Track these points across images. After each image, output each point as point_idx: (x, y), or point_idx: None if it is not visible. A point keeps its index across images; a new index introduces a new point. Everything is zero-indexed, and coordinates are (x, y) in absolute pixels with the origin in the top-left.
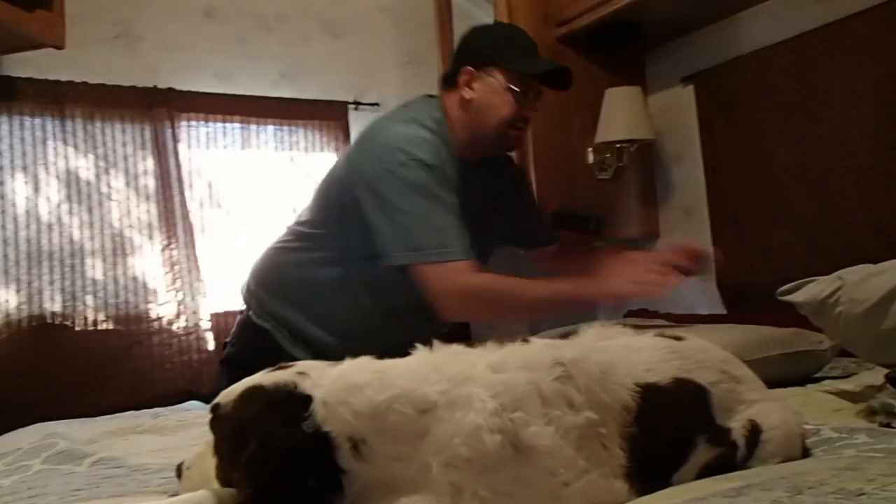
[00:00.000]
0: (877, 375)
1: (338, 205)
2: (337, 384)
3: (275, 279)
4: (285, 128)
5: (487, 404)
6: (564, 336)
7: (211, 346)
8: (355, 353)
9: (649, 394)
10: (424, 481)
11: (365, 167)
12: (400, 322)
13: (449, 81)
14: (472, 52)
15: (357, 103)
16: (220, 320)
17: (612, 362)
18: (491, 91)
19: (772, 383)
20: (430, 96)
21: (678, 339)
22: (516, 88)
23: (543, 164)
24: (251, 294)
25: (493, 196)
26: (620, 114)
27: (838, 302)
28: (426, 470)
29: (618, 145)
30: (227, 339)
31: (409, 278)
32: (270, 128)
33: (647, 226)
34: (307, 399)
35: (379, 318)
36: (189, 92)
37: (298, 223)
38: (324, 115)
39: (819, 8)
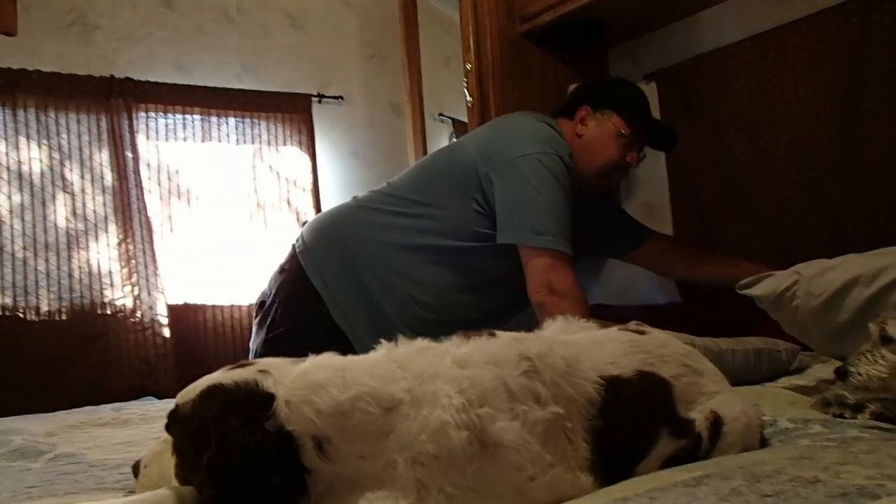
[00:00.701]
0: (829, 370)
1: (452, 181)
2: (300, 382)
3: (349, 237)
4: (247, 120)
5: (454, 400)
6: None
7: (167, 340)
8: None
9: (613, 387)
10: (390, 478)
11: (506, 149)
12: (464, 300)
13: (565, 113)
14: (593, 94)
15: (321, 96)
16: (178, 313)
17: (577, 356)
18: (603, 132)
19: (732, 382)
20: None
21: (641, 332)
22: (627, 134)
23: None
24: (309, 252)
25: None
26: None
27: (795, 296)
28: (392, 467)
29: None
30: (263, 300)
31: (494, 260)
32: (232, 120)
33: None
34: (269, 398)
35: (453, 292)
36: (147, 82)
37: (394, 189)
38: (286, 107)
39: (776, 8)
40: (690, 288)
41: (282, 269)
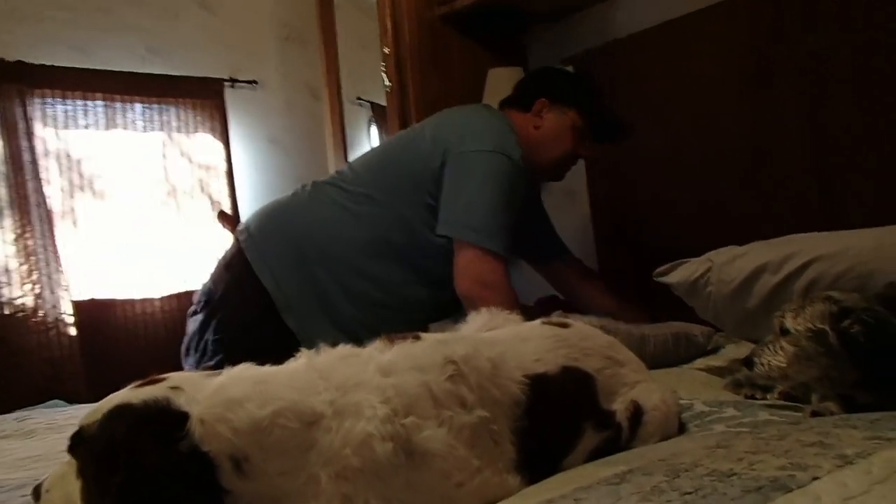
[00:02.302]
0: (741, 350)
1: (408, 175)
2: (215, 399)
3: (302, 233)
4: (155, 106)
5: (378, 411)
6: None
7: (74, 339)
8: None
9: (538, 385)
10: (313, 493)
11: (458, 144)
12: (422, 294)
13: (519, 104)
14: (551, 87)
15: (233, 81)
16: (85, 310)
17: (501, 355)
18: (560, 126)
19: (652, 365)
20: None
21: (564, 325)
22: (583, 129)
23: None
24: (258, 247)
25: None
26: (503, 95)
27: (708, 283)
28: (314, 482)
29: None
30: (208, 298)
31: (441, 259)
32: (138, 106)
33: None
34: (182, 416)
35: (410, 288)
36: (42, 66)
37: (348, 182)
38: (197, 93)
39: None
40: (613, 277)
41: (227, 265)
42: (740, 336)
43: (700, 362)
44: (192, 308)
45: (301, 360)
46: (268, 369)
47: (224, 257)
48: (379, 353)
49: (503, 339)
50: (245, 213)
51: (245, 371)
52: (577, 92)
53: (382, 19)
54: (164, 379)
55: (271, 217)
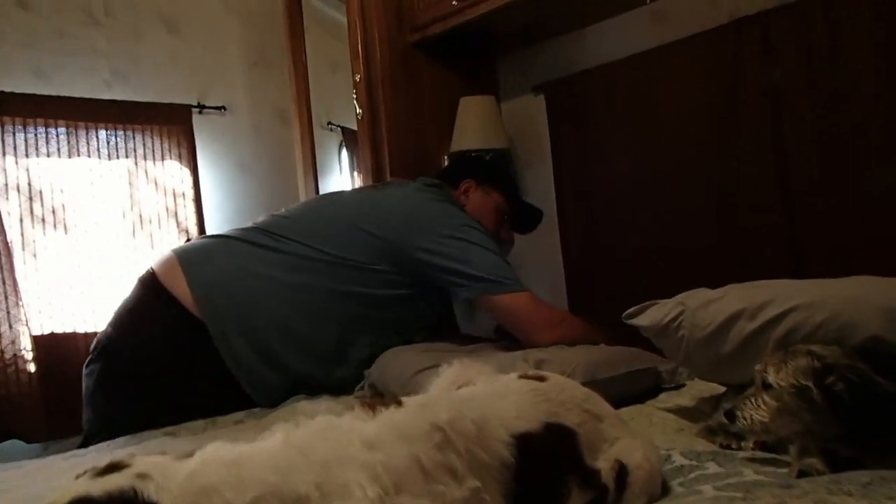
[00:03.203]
0: (704, 386)
1: (387, 263)
2: (188, 487)
3: (251, 287)
4: (120, 133)
5: (368, 491)
6: None
7: (33, 376)
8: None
9: (524, 445)
10: None
11: (432, 228)
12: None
13: (450, 181)
14: (478, 169)
15: (201, 106)
16: (45, 344)
17: (484, 415)
18: (484, 206)
19: (617, 401)
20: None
21: (540, 379)
22: (505, 211)
23: (399, 171)
24: (209, 301)
25: None
26: (475, 123)
27: (681, 326)
28: None
29: (473, 154)
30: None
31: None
32: (102, 133)
33: None
34: None
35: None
36: (2, 92)
37: (321, 254)
38: (164, 118)
39: (657, 28)
40: (580, 299)
41: (132, 310)
42: (710, 380)
43: (666, 399)
44: (89, 359)
45: (277, 436)
46: (243, 448)
47: (134, 311)
48: (361, 424)
49: (481, 397)
50: None
51: (218, 451)
52: (501, 176)
53: (354, 45)
54: (128, 465)
55: (226, 286)
